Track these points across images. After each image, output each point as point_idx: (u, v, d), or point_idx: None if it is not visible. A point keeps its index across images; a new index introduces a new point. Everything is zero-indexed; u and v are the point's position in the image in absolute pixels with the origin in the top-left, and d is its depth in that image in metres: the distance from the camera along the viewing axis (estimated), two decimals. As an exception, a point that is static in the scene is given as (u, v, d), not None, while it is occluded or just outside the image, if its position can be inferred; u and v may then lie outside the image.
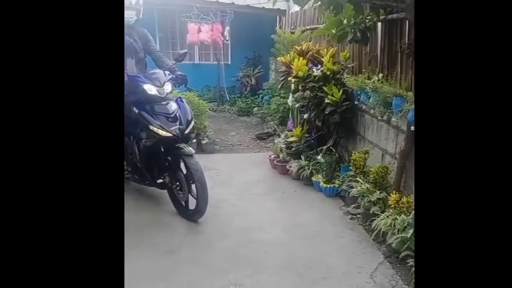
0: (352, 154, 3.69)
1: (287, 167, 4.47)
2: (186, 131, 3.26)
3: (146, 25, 8.60)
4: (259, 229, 3.21)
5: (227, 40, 8.71)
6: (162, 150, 3.29)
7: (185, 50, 3.71)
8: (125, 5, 3.46)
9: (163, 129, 3.14)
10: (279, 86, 5.62)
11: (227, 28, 8.53)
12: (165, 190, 3.53)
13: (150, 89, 3.25)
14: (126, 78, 3.36)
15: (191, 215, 3.27)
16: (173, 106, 3.29)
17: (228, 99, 9.17)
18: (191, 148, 3.20)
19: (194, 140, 5.42)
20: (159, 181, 3.51)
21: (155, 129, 3.14)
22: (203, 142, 5.49)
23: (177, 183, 3.31)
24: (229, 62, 9.92)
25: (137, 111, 3.24)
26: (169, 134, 3.15)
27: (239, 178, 4.50)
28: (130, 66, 3.69)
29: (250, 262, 2.73)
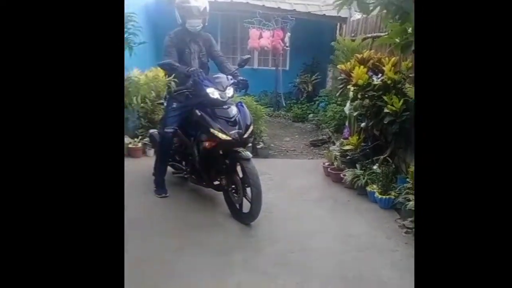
0: (410, 166, 3.57)
1: (341, 175, 4.41)
2: (245, 135, 3.32)
3: (209, 30, 8.94)
4: (310, 237, 3.20)
5: (287, 46, 8.76)
6: (221, 153, 3.38)
7: (248, 56, 3.80)
8: (193, 13, 3.59)
9: (223, 132, 3.22)
10: (337, 94, 5.57)
11: (288, 34, 8.58)
12: (221, 192, 3.61)
13: (212, 93, 3.35)
14: (190, 82, 3.48)
15: (244, 218, 3.32)
16: (233, 110, 3.37)
17: (284, 104, 9.20)
18: (248, 152, 3.25)
19: (250, 144, 5.50)
20: (216, 182, 3.60)
21: (215, 132, 3.23)
22: (258, 146, 5.56)
23: (233, 186, 3.38)
24: (287, 68, 9.97)
25: (199, 113, 3.36)
26: (228, 138, 3.22)
27: (292, 184, 4.51)
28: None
29: (300, 269, 2.73)
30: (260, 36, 8.03)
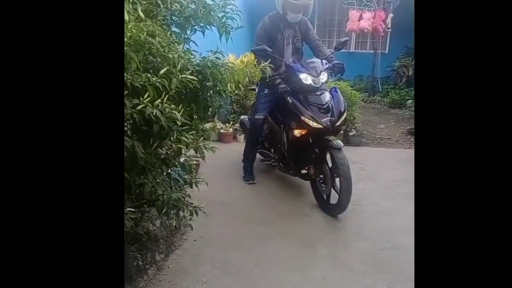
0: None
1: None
2: (337, 123, 3.18)
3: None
4: (402, 234, 2.98)
5: (388, 28, 8.24)
6: (311, 141, 3.28)
7: (346, 38, 3.59)
8: (297, 9, 3.48)
9: (314, 120, 3.11)
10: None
11: (390, 15, 8.06)
12: (308, 181, 3.52)
13: (305, 78, 3.24)
14: (283, 68, 3.42)
15: (332, 210, 3.21)
16: (326, 96, 3.23)
17: (381, 90, 8.75)
18: (339, 141, 3.10)
19: (341, 132, 5.31)
20: (303, 171, 3.52)
21: (306, 119, 3.13)
22: (350, 133, 5.35)
23: (321, 176, 3.27)
24: (386, 51, 9.45)
25: (290, 100, 3.28)
26: (319, 126, 3.10)
27: (385, 175, 4.26)
28: (288, 55, 3.74)
29: (389, 269, 2.56)
30: (360, 18, 7.66)
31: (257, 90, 3.99)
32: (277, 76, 3.40)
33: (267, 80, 3.32)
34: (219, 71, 2.21)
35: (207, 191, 3.81)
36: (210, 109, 2.44)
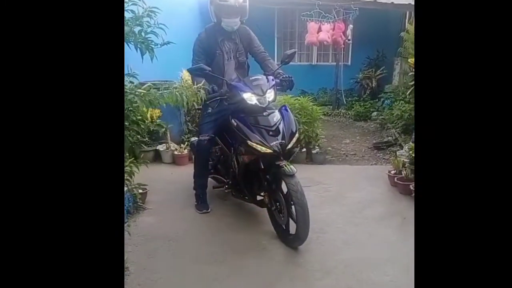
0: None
1: (411, 186, 3.78)
2: (289, 146, 2.84)
3: (264, 26, 8.54)
4: (372, 267, 2.65)
5: (348, 40, 8.07)
6: (262, 166, 2.93)
7: (293, 50, 3.26)
8: (230, 11, 3.15)
9: (262, 144, 2.77)
10: (408, 92, 4.90)
11: (350, 26, 7.91)
12: (265, 209, 3.16)
13: (250, 98, 2.90)
14: (225, 87, 3.07)
15: (291, 241, 2.85)
16: (275, 117, 2.90)
17: (345, 102, 8.57)
18: (292, 167, 2.76)
19: (304, 150, 5.01)
20: (259, 198, 3.17)
21: (253, 144, 2.78)
22: (313, 151, 5.04)
23: (277, 204, 2.91)
24: (349, 63, 9.31)
25: (235, 123, 2.92)
26: (269, 151, 2.76)
27: (351, 196, 3.95)
28: (230, 71, 3.40)
29: (357, 313, 2.22)
30: (319, 30, 7.44)
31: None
32: (218, 98, 3.04)
33: (207, 102, 2.96)
34: (128, 99, 1.83)
35: (154, 224, 3.39)
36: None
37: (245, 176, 3.09)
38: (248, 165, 2.95)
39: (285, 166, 2.75)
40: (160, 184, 4.11)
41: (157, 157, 4.98)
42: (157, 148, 4.92)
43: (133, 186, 3.33)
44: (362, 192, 4.04)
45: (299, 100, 5.06)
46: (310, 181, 4.29)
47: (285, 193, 2.82)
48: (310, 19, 7.48)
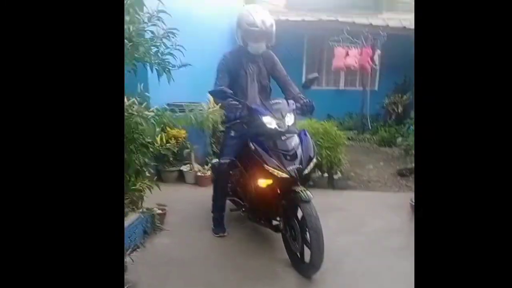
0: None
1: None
2: (305, 171, 2.85)
3: (293, 50, 8.65)
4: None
5: (375, 65, 8.06)
6: (278, 191, 2.94)
7: (315, 75, 3.29)
8: (258, 37, 3.20)
9: (279, 169, 2.79)
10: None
11: (378, 52, 7.90)
12: (280, 234, 3.16)
13: (269, 122, 2.93)
14: (246, 111, 3.12)
15: (305, 269, 2.82)
16: (293, 141, 2.92)
17: (370, 127, 8.48)
18: (308, 193, 2.76)
19: (326, 175, 4.98)
20: (275, 222, 3.17)
21: (270, 168, 2.80)
22: (335, 177, 5.01)
23: (292, 230, 2.90)
24: (376, 88, 9.26)
25: (253, 147, 2.96)
26: (285, 175, 2.78)
27: (371, 224, 3.89)
28: (253, 94, 3.44)
29: None
30: (347, 55, 7.47)
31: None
32: (238, 121, 3.09)
33: (227, 125, 3.02)
34: (135, 122, 1.86)
35: (169, 246, 3.42)
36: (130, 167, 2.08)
37: (261, 200, 3.10)
38: (264, 189, 2.96)
39: (301, 191, 2.75)
40: (181, 205, 4.16)
41: (181, 178, 5.06)
42: (181, 168, 5.00)
43: (151, 207, 3.40)
44: (383, 221, 3.98)
45: (323, 124, 5.07)
46: (330, 207, 4.26)
47: (300, 219, 2.81)
48: (337, 45, 7.53)
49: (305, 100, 3.23)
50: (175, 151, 4.80)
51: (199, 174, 4.92)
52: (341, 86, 9.48)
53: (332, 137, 4.98)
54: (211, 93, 3.08)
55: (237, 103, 3.01)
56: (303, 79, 9.10)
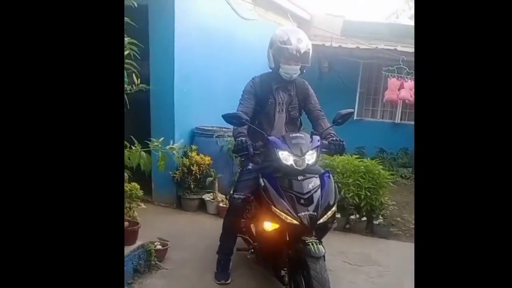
0: None
1: None
2: (320, 220, 2.34)
3: (347, 79, 8.14)
4: None
5: (435, 99, 7.32)
6: (287, 239, 2.44)
7: (350, 110, 2.74)
8: (291, 57, 2.76)
9: (288, 213, 2.31)
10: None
11: (437, 85, 7.18)
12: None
13: (285, 158, 2.46)
14: (260, 142, 2.67)
15: None
16: (311, 183, 2.42)
17: (427, 167, 7.66)
18: (320, 247, 2.25)
19: (364, 219, 4.36)
20: (282, 273, 2.67)
21: (277, 211, 2.34)
22: (375, 222, 4.35)
23: None
24: (436, 124, 8.42)
25: (263, 183, 2.50)
26: (295, 222, 2.30)
27: (412, 286, 3.21)
28: (279, 125, 3.01)
29: None
30: (401, 87, 6.83)
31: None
32: (246, 152, 2.60)
33: (235, 155, 2.60)
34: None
35: None
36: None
37: (268, 245, 2.64)
38: (270, 233, 2.49)
39: (312, 244, 2.24)
40: (191, 239, 3.76)
41: (203, 207, 4.68)
42: (203, 197, 4.62)
43: (149, 241, 3.03)
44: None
45: (364, 162, 4.49)
46: (364, 259, 3.66)
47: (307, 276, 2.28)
48: (392, 75, 6.91)
49: (334, 139, 2.73)
50: (198, 177, 4.46)
51: (221, 204, 4.50)
52: (397, 119, 8.75)
53: (375, 176, 4.38)
54: (224, 117, 2.66)
55: (244, 139, 2.61)
56: (356, 110, 8.63)
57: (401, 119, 8.80)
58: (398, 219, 4.95)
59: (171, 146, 2.92)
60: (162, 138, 2.87)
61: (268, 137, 2.63)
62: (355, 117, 8.88)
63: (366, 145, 8.42)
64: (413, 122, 8.55)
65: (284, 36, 2.79)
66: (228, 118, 2.58)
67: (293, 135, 2.59)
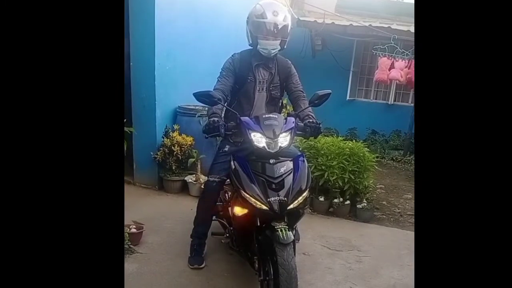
0: None
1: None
2: (290, 206, 2.25)
3: (340, 57, 7.96)
4: None
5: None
6: (258, 224, 2.37)
7: (328, 91, 2.61)
8: (267, 31, 2.64)
9: (259, 198, 2.24)
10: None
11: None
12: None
13: (258, 140, 2.36)
14: (232, 122, 2.57)
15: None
16: (283, 167, 2.32)
17: (419, 149, 7.57)
18: (289, 234, 2.18)
19: (348, 202, 4.29)
20: (254, 259, 2.61)
21: (247, 196, 2.26)
22: (359, 206, 4.29)
23: (266, 276, 2.31)
24: (430, 105, 8.29)
25: (233, 166, 2.42)
26: (264, 207, 2.22)
27: (388, 273, 3.17)
28: (259, 104, 2.90)
29: None
30: (392, 67, 6.66)
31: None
32: (216, 133, 2.52)
33: (206, 136, 2.51)
34: None
35: (132, 275, 2.76)
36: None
37: (239, 231, 2.58)
38: (241, 217, 2.42)
39: (281, 230, 2.18)
40: (170, 222, 3.70)
41: (185, 188, 4.60)
42: (185, 179, 4.54)
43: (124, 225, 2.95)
44: (402, 271, 3.23)
45: (349, 144, 4.39)
46: (343, 244, 3.61)
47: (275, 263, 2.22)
48: (382, 54, 6.74)
49: (311, 120, 2.62)
50: (180, 158, 4.36)
51: (203, 186, 4.41)
52: (391, 100, 8.61)
53: (360, 160, 4.29)
54: (195, 95, 2.52)
55: (215, 119, 2.51)
56: (349, 89, 8.48)
57: (394, 100, 8.67)
58: (384, 202, 4.91)
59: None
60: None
61: (241, 118, 2.52)
62: (347, 98, 8.76)
63: (358, 126, 8.33)
64: (406, 104, 8.46)
65: (260, 9, 2.65)
66: (198, 96, 2.46)
67: (266, 115, 2.48)
